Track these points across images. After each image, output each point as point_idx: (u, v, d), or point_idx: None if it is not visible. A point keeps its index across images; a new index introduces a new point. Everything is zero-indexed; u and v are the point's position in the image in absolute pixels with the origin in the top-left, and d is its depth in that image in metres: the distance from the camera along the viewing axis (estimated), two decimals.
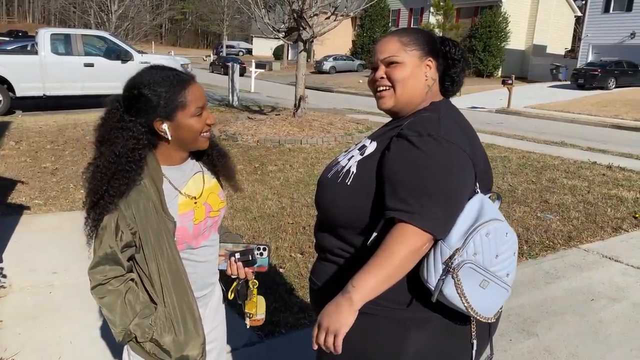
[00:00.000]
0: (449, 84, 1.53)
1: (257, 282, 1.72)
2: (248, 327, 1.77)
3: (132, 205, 1.43)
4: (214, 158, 1.67)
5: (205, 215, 1.59)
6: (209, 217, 1.60)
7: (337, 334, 1.24)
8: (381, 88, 1.48)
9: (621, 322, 3.35)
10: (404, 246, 1.22)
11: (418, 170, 1.26)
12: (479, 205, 1.30)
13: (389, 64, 1.45)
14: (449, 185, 1.26)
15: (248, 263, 1.68)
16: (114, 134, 1.44)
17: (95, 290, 1.47)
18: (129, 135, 1.43)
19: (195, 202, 1.56)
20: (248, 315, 1.74)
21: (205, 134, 1.52)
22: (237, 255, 1.68)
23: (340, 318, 1.23)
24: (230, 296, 1.75)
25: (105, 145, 1.45)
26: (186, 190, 1.55)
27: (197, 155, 1.64)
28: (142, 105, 1.44)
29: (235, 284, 1.74)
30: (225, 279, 1.79)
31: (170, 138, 1.47)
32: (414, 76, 1.44)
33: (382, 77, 1.47)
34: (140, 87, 1.44)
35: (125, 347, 1.58)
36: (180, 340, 1.51)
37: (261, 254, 1.68)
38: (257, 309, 1.73)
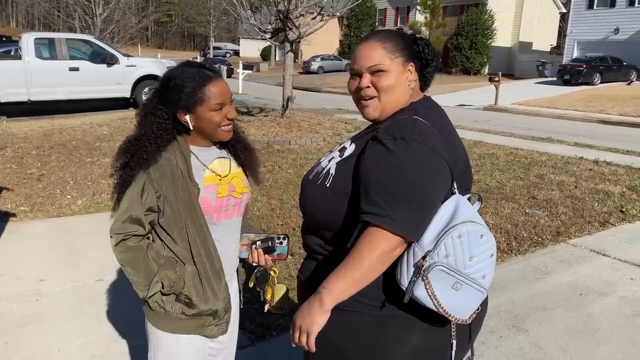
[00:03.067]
0: (422, 82, 1.53)
1: (276, 270, 1.83)
2: (265, 311, 1.86)
3: (160, 170, 1.58)
4: (237, 150, 1.81)
5: (229, 192, 1.71)
6: (231, 196, 1.72)
7: (309, 333, 1.29)
8: (367, 97, 1.45)
9: (610, 316, 3.38)
10: (373, 250, 1.23)
11: (390, 173, 1.27)
12: (453, 206, 1.30)
13: (374, 72, 1.43)
14: (421, 188, 1.26)
15: (268, 250, 1.77)
16: (147, 117, 1.64)
17: (117, 247, 1.57)
18: (155, 120, 1.62)
19: (220, 179, 1.70)
20: (267, 301, 1.83)
21: (224, 127, 1.65)
22: (258, 243, 1.78)
23: (312, 318, 1.29)
24: (251, 284, 1.84)
25: (139, 125, 1.66)
26: (212, 167, 1.70)
27: (222, 146, 1.78)
28: (168, 97, 1.62)
29: (255, 271, 1.84)
30: (246, 269, 1.89)
31: (192, 128, 1.64)
32: (399, 84, 1.43)
33: (368, 87, 1.44)
34: (168, 81, 1.62)
35: (148, 328, 1.70)
36: (208, 295, 1.64)
37: (281, 243, 1.77)
38: (274, 296, 1.83)
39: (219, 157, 1.74)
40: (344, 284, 1.25)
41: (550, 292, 3.72)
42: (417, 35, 1.54)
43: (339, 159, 1.44)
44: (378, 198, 1.25)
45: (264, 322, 3.11)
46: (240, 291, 1.91)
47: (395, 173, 1.26)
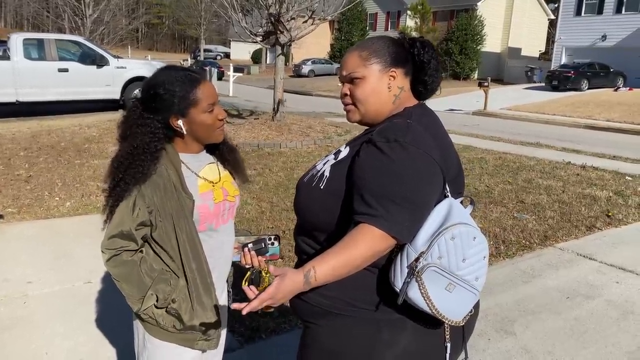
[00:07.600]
0: (421, 87, 1.51)
1: (269, 271, 1.80)
2: (260, 312, 1.85)
3: (152, 184, 1.55)
4: (224, 153, 1.81)
5: (224, 197, 1.72)
6: (226, 200, 1.73)
7: (273, 303, 1.30)
8: (346, 104, 1.51)
9: (596, 319, 3.42)
10: (366, 244, 1.24)
11: (384, 175, 1.28)
12: (446, 209, 1.31)
13: (351, 80, 1.47)
14: (414, 190, 1.27)
15: (260, 251, 1.78)
16: (134, 130, 1.59)
17: (109, 262, 1.56)
18: (147, 131, 1.57)
19: (213, 185, 1.70)
20: None
21: (218, 128, 1.65)
22: (250, 245, 1.78)
23: (291, 294, 1.29)
24: (244, 285, 1.82)
25: (127, 140, 1.60)
26: (203, 174, 1.69)
27: (209, 150, 1.77)
28: (158, 105, 1.58)
29: (249, 273, 1.83)
30: (238, 272, 1.88)
31: (185, 132, 1.62)
32: (375, 91, 1.45)
33: (345, 94, 1.49)
34: (156, 88, 1.58)
35: (137, 331, 1.69)
36: (197, 310, 1.63)
37: (272, 243, 1.79)
38: None
39: (209, 163, 1.74)
40: (335, 262, 1.24)
41: (537, 296, 3.75)
42: (416, 37, 1.51)
43: (334, 161, 1.45)
44: (371, 199, 1.26)
45: (253, 325, 3.11)
46: (229, 292, 1.91)
47: (388, 175, 1.27)
